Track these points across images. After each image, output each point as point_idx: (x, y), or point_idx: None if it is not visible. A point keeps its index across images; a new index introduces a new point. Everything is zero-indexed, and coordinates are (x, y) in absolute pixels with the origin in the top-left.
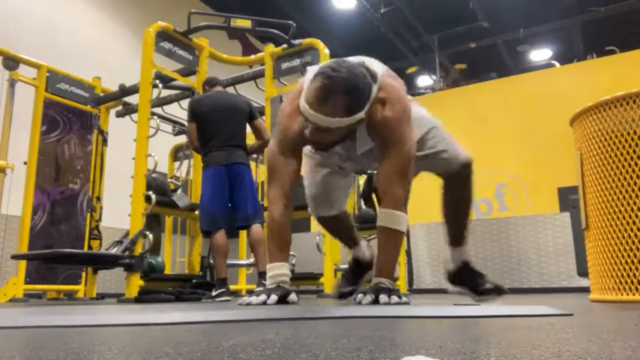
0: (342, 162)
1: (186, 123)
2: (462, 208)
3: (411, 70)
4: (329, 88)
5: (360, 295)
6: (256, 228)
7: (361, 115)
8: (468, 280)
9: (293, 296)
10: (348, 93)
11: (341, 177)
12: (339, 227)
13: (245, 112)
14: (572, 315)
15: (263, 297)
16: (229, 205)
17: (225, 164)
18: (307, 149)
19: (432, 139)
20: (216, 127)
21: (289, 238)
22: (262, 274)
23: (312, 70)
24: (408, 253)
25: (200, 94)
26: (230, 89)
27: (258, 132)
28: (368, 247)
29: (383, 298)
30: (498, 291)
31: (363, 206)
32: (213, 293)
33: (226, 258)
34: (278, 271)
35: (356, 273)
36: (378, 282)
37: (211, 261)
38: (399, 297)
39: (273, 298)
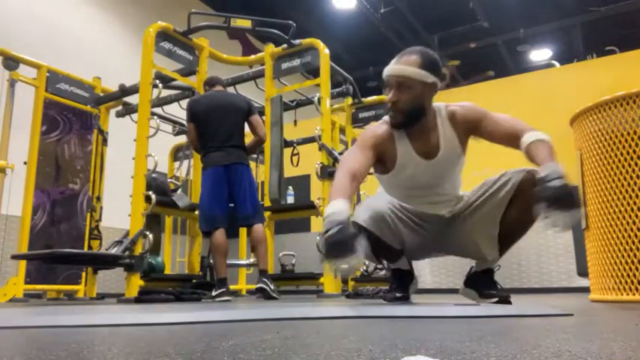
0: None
1: (186, 123)
2: (519, 235)
3: (454, 63)
4: (408, 49)
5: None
6: (257, 227)
7: (433, 78)
8: (479, 284)
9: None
10: (422, 53)
11: (416, 236)
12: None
13: (243, 111)
14: (572, 315)
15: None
16: (229, 205)
17: (224, 164)
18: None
19: (492, 178)
20: (215, 127)
21: (351, 193)
22: (263, 272)
23: None
24: None
25: (198, 92)
26: (230, 89)
27: (253, 128)
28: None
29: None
30: (503, 301)
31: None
32: (213, 293)
33: (226, 258)
34: (336, 204)
35: (403, 282)
36: (552, 170)
37: (211, 261)
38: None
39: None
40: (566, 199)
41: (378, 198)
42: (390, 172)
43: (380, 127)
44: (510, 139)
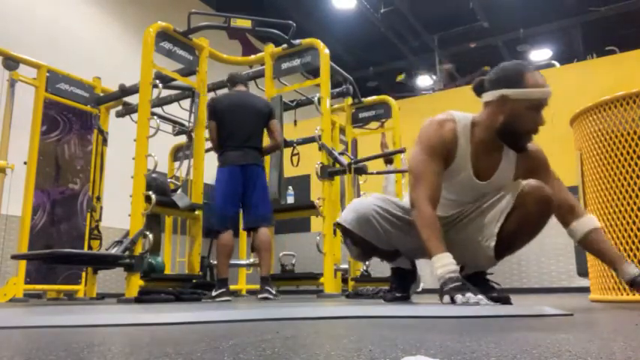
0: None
1: (186, 123)
2: (521, 244)
3: (399, 78)
4: (536, 70)
5: None
6: (264, 231)
7: None
8: (474, 286)
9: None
10: None
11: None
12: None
13: (264, 113)
14: (572, 315)
15: (477, 297)
16: (240, 206)
17: (241, 164)
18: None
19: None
20: (235, 127)
21: (441, 234)
22: (265, 280)
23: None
24: None
25: (200, 93)
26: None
27: (271, 132)
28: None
29: None
30: (502, 301)
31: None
32: (214, 293)
33: (229, 259)
34: (446, 261)
35: (403, 282)
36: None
37: (212, 261)
38: None
39: (484, 300)
40: None
41: (364, 199)
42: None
43: (448, 126)
44: (562, 206)
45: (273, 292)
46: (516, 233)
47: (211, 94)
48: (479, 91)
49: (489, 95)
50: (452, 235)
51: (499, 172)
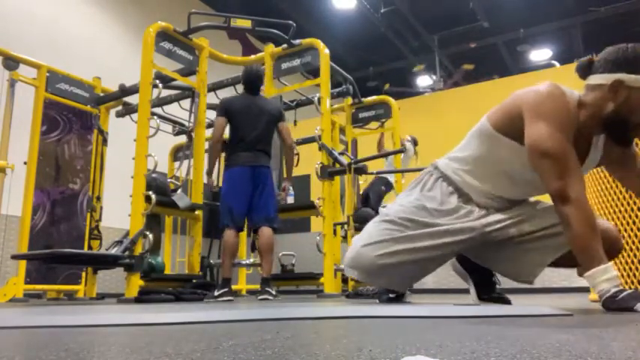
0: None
1: (186, 123)
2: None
3: (417, 68)
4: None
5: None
6: (268, 232)
7: None
8: (479, 281)
9: None
10: None
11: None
12: None
13: (275, 117)
14: (572, 315)
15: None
16: (248, 207)
17: (251, 166)
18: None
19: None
20: (247, 130)
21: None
22: (266, 281)
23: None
24: None
25: (200, 93)
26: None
27: (281, 134)
28: None
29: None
30: (502, 301)
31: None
32: (216, 293)
33: (233, 259)
34: (612, 275)
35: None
36: None
37: (212, 261)
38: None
39: None
40: None
41: (359, 250)
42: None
43: (569, 99)
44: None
45: (273, 292)
46: (569, 262)
47: (211, 94)
48: (585, 72)
49: (600, 78)
50: (499, 248)
51: (587, 163)
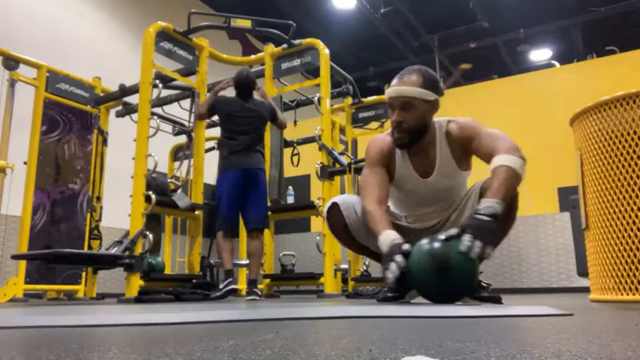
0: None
1: (186, 123)
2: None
3: (464, 67)
4: (407, 68)
5: (465, 237)
6: (257, 236)
7: (434, 96)
8: None
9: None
10: (423, 72)
11: None
12: None
13: (266, 118)
14: (572, 315)
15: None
16: (240, 210)
17: (243, 169)
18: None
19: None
20: (238, 133)
21: (389, 220)
22: (253, 282)
23: None
24: None
25: (200, 93)
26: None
27: (278, 124)
28: None
29: (478, 245)
30: (493, 301)
31: None
32: (221, 285)
33: (231, 253)
34: (388, 235)
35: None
36: (486, 205)
37: (212, 261)
38: (492, 248)
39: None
40: (484, 235)
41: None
42: (390, 183)
43: (384, 140)
44: (488, 158)
45: (259, 293)
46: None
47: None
48: None
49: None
50: None
51: (438, 166)
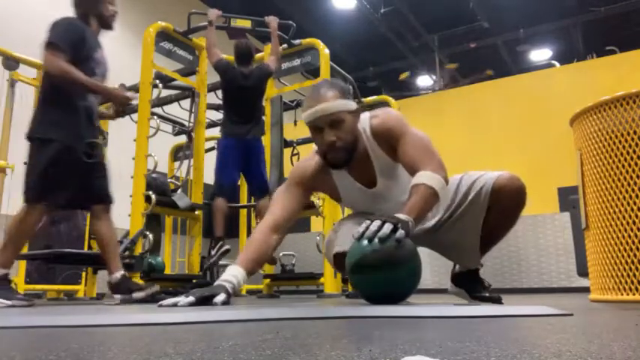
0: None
1: (186, 123)
2: (499, 238)
3: (403, 77)
4: (314, 86)
5: (366, 222)
6: (264, 202)
7: (354, 104)
8: (467, 284)
9: (220, 297)
10: (333, 84)
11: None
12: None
13: (263, 82)
14: (572, 315)
15: (191, 298)
16: (238, 177)
17: (244, 138)
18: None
19: (466, 182)
20: (239, 103)
21: (260, 252)
22: None
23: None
24: None
25: (200, 93)
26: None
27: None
28: None
29: (387, 226)
30: (493, 301)
31: None
32: (212, 252)
33: (224, 218)
34: (229, 271)
35: None
36: (395, 215)
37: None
38: (406, 231)
39: (191, 299)
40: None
41: (350, 221)
42: (340, 201)
43: (309, 162)
44: (412, 170)
45: None
46: (496, 229)
47: (211, 94)
48: None
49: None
50: (438, 237)
51: (379, 172)
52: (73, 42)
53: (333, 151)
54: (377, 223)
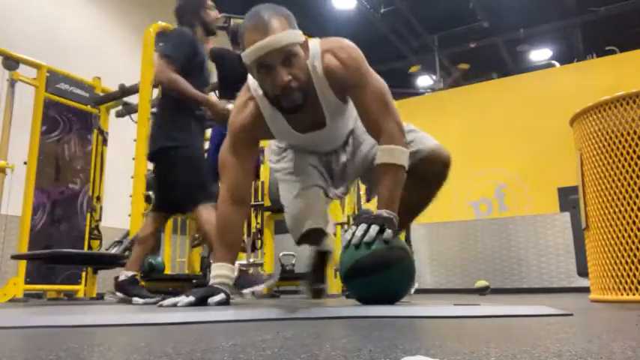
0: (320, 169)
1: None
2: (420, 209)
3: (414, 69)
4: (255, 13)
5: (352, 228)
6: None
7: (300, 36)
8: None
9: (218, 297)
10: (278, 10)
11: (319, 190)
12: (318, 239)
13: None
14: (572, 315)
15: (191, 298)
16: None
17: None
18: (279, 167)
19: (413, 140)
20: (230, 84)
21: (238, 239)
22: None
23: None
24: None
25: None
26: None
27: None
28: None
29: (373, 228)
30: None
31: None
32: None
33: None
34: (219, 272)
35: (321, 267)
36: (378, 213)
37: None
38: (393, 230)
39: (191, 299)
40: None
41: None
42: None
43: (245, 111)
44: (370, 130)
45: None
46: (417, 200)
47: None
48: None
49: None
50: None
51: (329, 115)
52: (187, 54)
53: (289, 93)
54: (363, 227)
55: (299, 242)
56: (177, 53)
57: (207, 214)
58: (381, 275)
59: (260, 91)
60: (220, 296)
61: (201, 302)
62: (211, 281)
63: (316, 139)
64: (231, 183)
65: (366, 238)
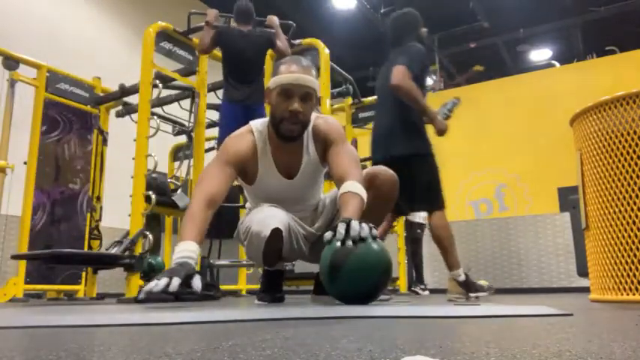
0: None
1: (186, 123)
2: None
3: (477, 69)
4: (298, 58)
5: (328, 234)
6: None
7: (319, 92)
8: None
9: (197, 281)
10: (313, 66)
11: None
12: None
13: (266, 47)
14: (572, 315)
15: (165, 281)
16: None
17: (245, 104)
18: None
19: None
20: (241, 66)
21: (204, 228)
22: None
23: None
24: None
25: (200, 93)
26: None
27: (279, 51)
28: None
29: (354, 225)
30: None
31: None
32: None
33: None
34: (184, 247)
35: (277, 281)
36: (348, 217)
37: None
38: (370, 228)
39: (175, 283)
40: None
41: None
42: (251, 185)
43: (243, 138)
44: (337, 180)
45: None
46: (372, 213)
47: (211, 94)
48: None
49: None
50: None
51: (304, 166)
52: (422, 69)
53: (293, 122)
54: (342, 225)
55: (265, 260)
56: (416, 66)
57: (441, 220)
58: (361, 271)
59: (260, 127)
60: (197, 281)
61: (184, 287)
62: (177, 255)
63: (283, 192)
64: (209, 191)
65: (353, 232)
